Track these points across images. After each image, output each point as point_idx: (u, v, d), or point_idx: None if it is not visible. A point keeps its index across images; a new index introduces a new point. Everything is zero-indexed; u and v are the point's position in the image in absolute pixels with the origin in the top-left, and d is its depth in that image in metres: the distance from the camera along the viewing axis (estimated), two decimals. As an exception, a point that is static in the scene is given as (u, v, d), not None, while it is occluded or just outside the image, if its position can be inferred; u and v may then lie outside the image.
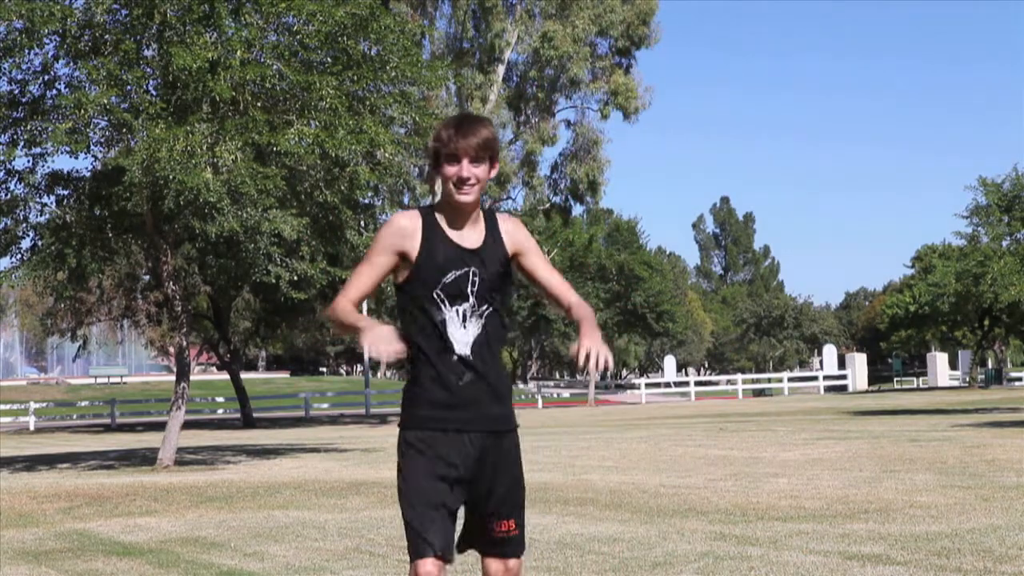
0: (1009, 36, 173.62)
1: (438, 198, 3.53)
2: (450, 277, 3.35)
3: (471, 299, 3.36)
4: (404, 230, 3.38)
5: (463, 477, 3.34)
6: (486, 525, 3.44)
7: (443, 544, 3.27)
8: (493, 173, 3.43)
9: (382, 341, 3.22)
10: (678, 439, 18.77)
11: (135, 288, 30.44)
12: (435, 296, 3.35)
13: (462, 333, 3.34)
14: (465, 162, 3.34)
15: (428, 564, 3.25)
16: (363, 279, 3.43)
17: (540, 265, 3.51)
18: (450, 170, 3.35)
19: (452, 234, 3.39)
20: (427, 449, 3.33)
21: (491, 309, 3.39)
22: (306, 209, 16.14)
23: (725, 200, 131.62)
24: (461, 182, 3.34)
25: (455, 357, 3.34)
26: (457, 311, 3.35)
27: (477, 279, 3.37)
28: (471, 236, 3.42)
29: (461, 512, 3.41)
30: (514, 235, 3.48)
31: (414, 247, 3.37)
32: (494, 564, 3.46)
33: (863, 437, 17.44)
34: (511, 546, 3.46)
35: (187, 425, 22.20)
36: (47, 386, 59.43)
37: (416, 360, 3.37)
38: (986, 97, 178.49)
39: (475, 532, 3.48)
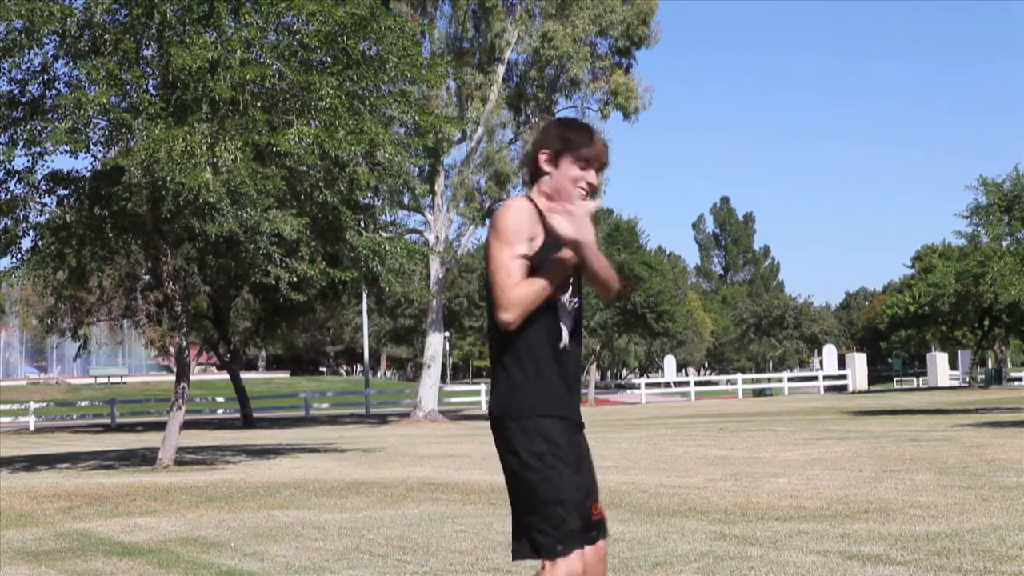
0: (1009, 36, 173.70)
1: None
2: None
3: (568, 293, 3.38)
4: (531, 214, 3.32)
5: None
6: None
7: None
8: None
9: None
10: (678, 439, 18.77)
11: (135, 288, 30.42)
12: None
13: (566, 323, 3.35)
14: (592, 170, 3.39)
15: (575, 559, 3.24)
16: (518, 272, 3.25)
17: None
18: (578, 173, 3.37)
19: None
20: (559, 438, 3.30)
21: (578, 305, 3.43)
22: (306, 209, 16.14)
23: (725, 200, 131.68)
24: (588, 185, 3.38)
25: (563, 346, 3.34)
26: (563, 303, 3.36)
27: (577, 279, 3.43)
28: None
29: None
30: None
31: (540, 232, 3.31)
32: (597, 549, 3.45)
33: (863, 437, 17.44)
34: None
35: (187, 425, 22.21)
36: (47, 386, 59.44)
37: (529, 353, 3.29)
38: (986, 97, 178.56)
39: None
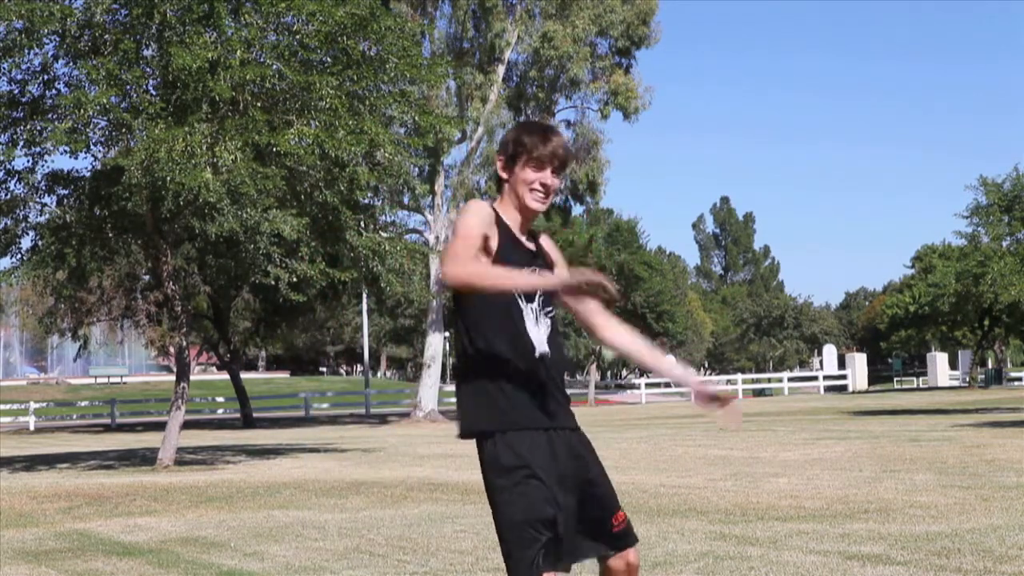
0: (1009, 36, 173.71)
1: (502, 199, 3.43)
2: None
3: (536, 298, 3.33)
4: (490, 216, 3.31)
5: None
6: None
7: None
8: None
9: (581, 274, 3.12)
10: (678, 439, 18.77)
11: (135, 288, 30.42)
12: (515, 294, 3.30)
13: (536, 331, 3.30)
14: (548, 171, 3.34)
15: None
16: (475, 245, 3.19)
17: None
18: (532, 175, 3.33)
19: (518, 235, 3.39)
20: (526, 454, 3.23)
21: (552, 309, 3.38)
22: (306, 209, 16.14)
23: (725, 200, 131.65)
24: (543, 187, 3.33)
25: (536, 355, 3.28)
26: (531, 309, 3.32)
27: None
28: (529, 239, 3.43)
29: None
30: (551, 250, 3.50)
31: (494, 236, 3.30)
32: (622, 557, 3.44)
33: (863, 437, 17.44)
34: None
35: (187, 425, 22.21)
36: (47, 386, 59.43)
37: (485, 358, 3.26)
38: (986, 97, 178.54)
39: None
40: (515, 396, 3.24)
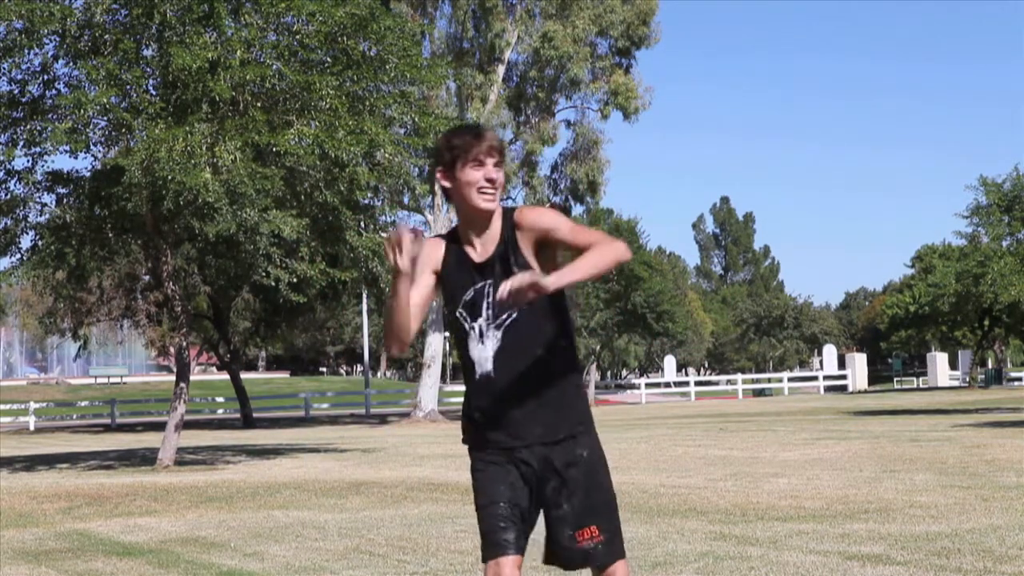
0: (1009, 36, 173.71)
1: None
2: (469, 294, 3.29)
3: (484, 313, 3.27)
4: (432, 245, 3.33)
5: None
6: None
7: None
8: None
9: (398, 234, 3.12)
10: (678, 439, 18.77)
11: (135, 288, 30.46)
12: (458, 315, 3.30)
13: (480, 350, 3.26)
14: (490, 163, 3.23)
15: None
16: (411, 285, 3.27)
17: (568, 235, 3.25)
18: (475, 174, 3.22)
19: (469, 250, 3.31)
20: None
21: (512, 316, 3.24)
22: (306, 210, 16.14)
23: (725, 200, 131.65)
24: (489, 183, 3.22)
25: (478, 376, 3.27)
26: (474, 328, 3.28)
27: (492, 291, 3.25)
28: (486, 247, 3.30)
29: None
30: (533, 224, 3.27)
31: (439, 266, 3.32)
32: None
33: (863, 437, 17.44)
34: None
35: (187, 425, 22.20)
36: (47, 386, 59.42)
37: (466, 381, 3.35)
38: (986, 97, 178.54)
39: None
40: (477, 415, 3.29)
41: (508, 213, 3.32)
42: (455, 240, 3.34)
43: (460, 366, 3.35)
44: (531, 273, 3.03)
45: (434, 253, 3.32)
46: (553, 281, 3.04)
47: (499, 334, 3.24)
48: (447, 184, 3.29)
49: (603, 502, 3.29)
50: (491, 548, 3.22)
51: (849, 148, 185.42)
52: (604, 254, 3.15)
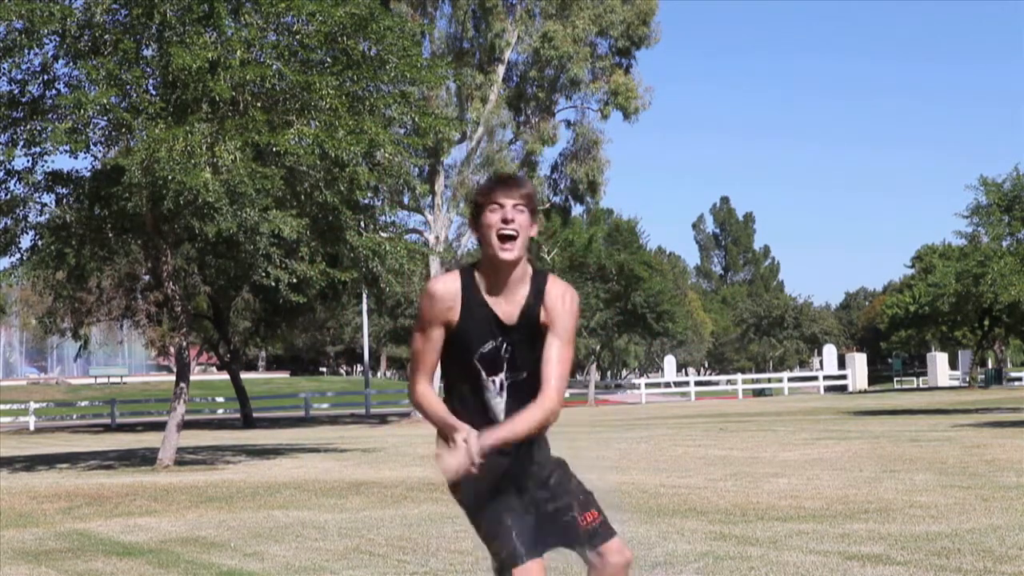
0: (1009, 36, 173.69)
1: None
2: (487, 347, 3.31)
3: (504, 370, 3.34)
4: (444, 301, 3.30)
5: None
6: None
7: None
8: (535, 231, 3.29)
9: (454, 460, 3.18)
10: (678, 439, 18.77)
11: (135, 288, 30.45)
12: (474, 364, 3.33)
13: (497, 402, 3.35)
14: (509, 204, 3.24)
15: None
16: (428, 357, 3.35)
17: (555, 333, 3.32)
18: (492, 217, 3.23)
19: (492, 302, 3.31)
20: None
21: (524, 375, 3.34)
22: (306, 210, 16.13)
23: (725, 200, 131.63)
24: (505, 223, 3.22)
25: (487, 419, 3.34)
26: (494, 381, 3.34)
27: (512, 350, 3.33)
28: (511, 303, 3.31)
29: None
30: (553, 308, 3.32)
31: (455, 316, 3.30)
32: None
33: (863, 437, 17.44)
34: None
35: (187, 425, 22.19)
36: (47, 386, 59.43)
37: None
38: (986, 97, 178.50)
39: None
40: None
41: (539, 280, 3.35)
42: (474, 282, 3.32)
43: (456, 395, 3.41)
44: (483, 436, 3.16)
45: (447, 304, 3.31)
46: (490, 442, 3.16)
47: (512, 390, 3.37)
48: (475, 232, 3.34)
49: (591, 492, 3.48)
50: (514, 557, 3.34)
51: (849, 148, 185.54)
52: (537, 413, 3.24)
